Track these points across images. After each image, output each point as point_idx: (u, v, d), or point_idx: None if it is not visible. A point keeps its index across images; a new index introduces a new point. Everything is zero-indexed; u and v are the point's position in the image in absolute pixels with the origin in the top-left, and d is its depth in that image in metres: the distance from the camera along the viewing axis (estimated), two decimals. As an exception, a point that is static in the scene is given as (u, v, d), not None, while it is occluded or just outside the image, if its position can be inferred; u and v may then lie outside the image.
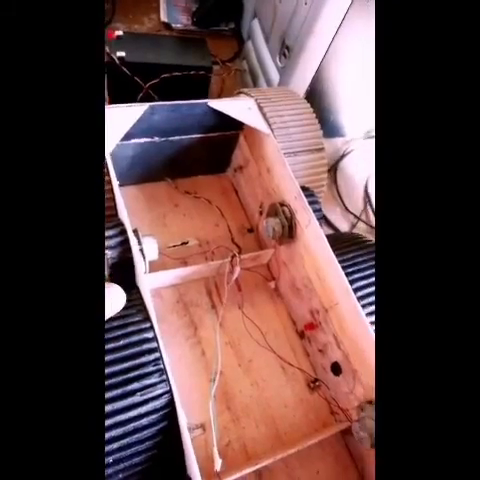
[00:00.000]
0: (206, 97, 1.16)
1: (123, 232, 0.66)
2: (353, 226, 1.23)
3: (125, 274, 0.66)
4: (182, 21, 1.46)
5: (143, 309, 0.61)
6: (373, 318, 0.68)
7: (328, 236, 0.74)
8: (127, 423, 0.55)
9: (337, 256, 0.70)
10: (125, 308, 0.59)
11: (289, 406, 0.77)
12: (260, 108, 0.86)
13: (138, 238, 0.67)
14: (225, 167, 1.04)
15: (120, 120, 0.75)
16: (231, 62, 1.42)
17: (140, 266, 0.65)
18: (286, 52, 1.13)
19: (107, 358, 0.55)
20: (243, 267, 0.83)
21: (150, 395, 0.55)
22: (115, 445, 0.54)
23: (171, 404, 0.57)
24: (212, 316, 0.82)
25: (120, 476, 0.56)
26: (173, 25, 1.45)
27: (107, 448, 0.53)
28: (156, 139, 0.86)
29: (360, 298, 0.68)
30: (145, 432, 0.56)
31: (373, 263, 0.76)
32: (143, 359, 0.56)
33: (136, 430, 0.55)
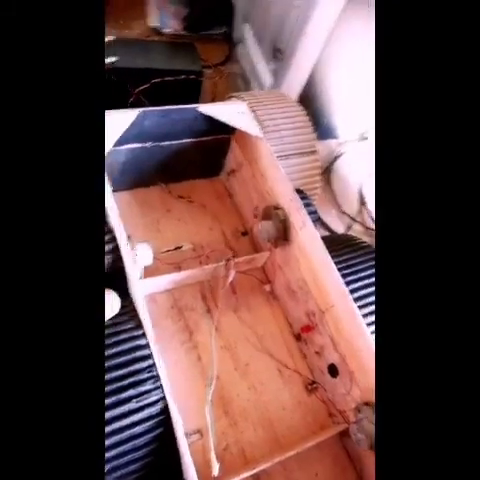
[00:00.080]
0: (198, 101, 1.16)
1: (113, 239, 0.65)
2: (348, 228, 1.24)
3: (116, 281, 0.65)
4: (172, 26, 1.47)
5: (136, 316, 0.61)
6: (369, 320, 0.68)
7: (323, 238, 0.74)
8: (123, 430, 0.54)
9: (332, 258, 0.70)
10: (119, 315, 0.59)
11: (287, 409, 0.77)
12: (252, 111, 0.86)
13: (132, 244, 0.66)
14: (218, 171, 1.04)
15: (112, 126, 0.74)
16: (223, 66, 1.43)
17: (134, 272, 0.65)
18: (278, 55, 1.13)
19: (101, 366, 0.55)
20: (238, 270, 0.83)
21: (145, 402, 0.55)
22: (112, 453, 0.54)
23: (166, 410, 0.56)
24: (207, 320, 0.81)
25: (117, 484, 0.55)
26: (163, 30, 1.45)
27: (104, 456, 0.53)
28: (148, 144, 0.86)
29: (356, 300, 0.68)
30: (141, 439, 0.56)
31: (368, 265, 0.77)
32: (137, 366, 0.56)
33: (132, 437, 0.55)
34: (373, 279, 0.76)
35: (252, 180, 0.91)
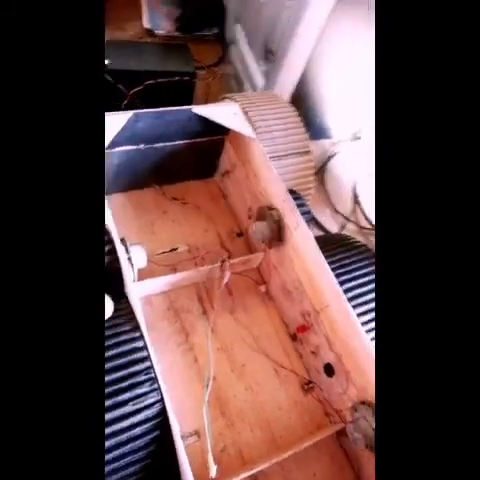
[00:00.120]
0: (191, 102, 1.16)
1: (109, 241, 0.66)
2: (342, 227, 1.24)
3: (113, 283, 0.65)
4: (165, 27, 1.47)
5: (132, 318, 0.61)
6: (363, 319, 0.69)
7: (317, 238, 0.74)
8: (120, 433, 0.54)
9: (326, 258, 0.70)
10: (114, 317, 0.59)
11: (283, 409, 0.77)
12: (245, 113, 0.87)
13: (126, 247, 0.66)
14: (212, 172, 1.04)
15: (105, 128, 0.74)
16: (216, 67, 1.43)
17: (128, 275, 0.65)
18: (270, 56, 1.14)
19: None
20: (233, 271, 0.83)
21: (142, 404, 0.55)
22: (109, 456, 0.54)
23: (164, 413, 0.56)
24: (203, 322, 0.82)
25: (115, 487, 0.55)
26: (156, 31, 1.45)
27: (101, 459, 0.53)
28: (141, 146, 0.86)
29: (350, 299, 0.69)
30: (139, 442, 0.56)
31: (362, 264, 0.77)
32: (134, 368, 0.56)
33: (129, 440, 0.55)
34: (367, 278, 0.76)
35: (246, 181, 0.91)
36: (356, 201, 1.30)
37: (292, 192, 0.81)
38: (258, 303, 0.88)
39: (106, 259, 0.64)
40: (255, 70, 1.23)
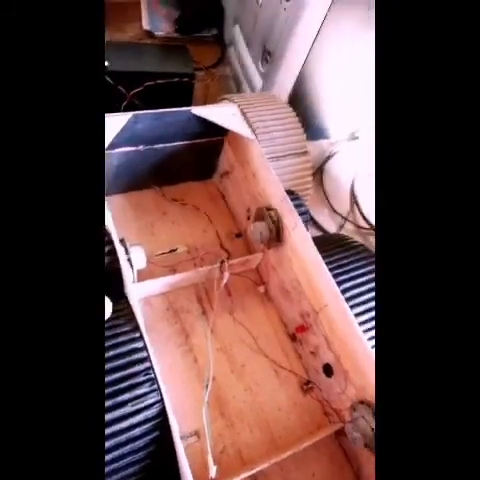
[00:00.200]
0: (190, 104, 1.16)
1: (109, 242, 0.66)
2: (340, 227, 1.24)
3: (112, 284, 0.66)
4: (164, 29, 1.47)
5: (132, 319, 0.61)
6: (360, 319, 0.69)
7: (315, 238, 0.74)
8: (120, 434, 0.54)
9: (324, 258, 0.71)
10: (113, 318, 0.59)
11: (283, 409, 0.77)
12: (243, 114, 0.87)
13: (125, 248, 0.67)
14: (211, 173, 1.04)
15: (105, 130, 0.75)
16: (215, 68, 1.43)
17: (128, 276, 0.65)
18: (267, 57, 1.14)
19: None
20: (232, 272, 0.83)
21: (141, 405, 0.55)
22: (109, 456, 0.54)
23: (163, 413, 0.57)
24: (203, 322, 0.82)
25: (115, 487, 0.56)
26: (155, 33, 1.45)
27: (101, 460, 0.53)
28: (141, 147, 0.86)
29: (348, 299, 0.69)
30: (138, 442, 0.56)
31: (359, 264, 0.77)
32: (133, 369, 0.56)
33: (129, 440, 0.55)
34: (364, 278, 0.76)
35: (244, 182, 0.91)
36: (354, 201, 1.31)
37: (290, 192, 0.81)
38: (257, 303, 0.88)
39: (106, 260, 0.65)
40: (253, 71, 1.23)
